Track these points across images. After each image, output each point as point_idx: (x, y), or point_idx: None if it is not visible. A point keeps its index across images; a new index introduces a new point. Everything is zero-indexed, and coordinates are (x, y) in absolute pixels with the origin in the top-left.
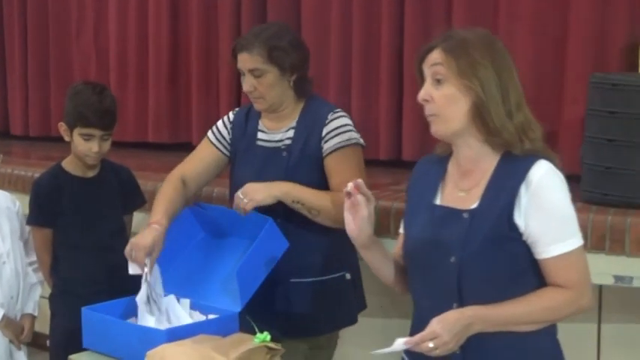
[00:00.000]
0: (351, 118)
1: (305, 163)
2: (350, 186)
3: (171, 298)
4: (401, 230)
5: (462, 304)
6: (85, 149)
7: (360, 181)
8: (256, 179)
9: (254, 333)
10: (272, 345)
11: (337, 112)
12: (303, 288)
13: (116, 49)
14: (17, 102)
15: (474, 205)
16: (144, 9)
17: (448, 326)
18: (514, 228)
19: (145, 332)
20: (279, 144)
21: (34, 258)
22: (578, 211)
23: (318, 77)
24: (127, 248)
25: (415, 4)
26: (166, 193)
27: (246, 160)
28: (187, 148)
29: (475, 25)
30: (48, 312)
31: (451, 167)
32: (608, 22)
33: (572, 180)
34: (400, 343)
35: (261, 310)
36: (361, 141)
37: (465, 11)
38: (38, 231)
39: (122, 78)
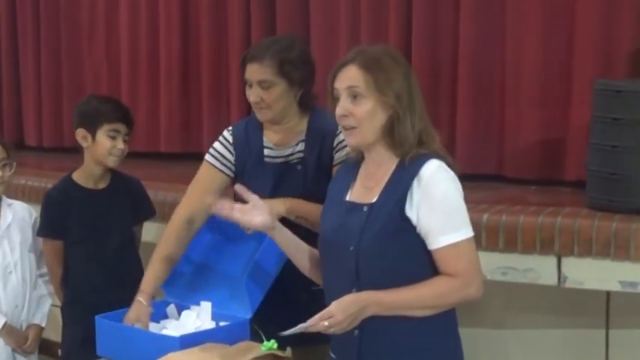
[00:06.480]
0: None
1: (320, 173)
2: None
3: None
4: None
5: (360, 289)
6: (109, 147)
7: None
8: (272, 195)
9: (261, 341)
10: (279, 353)
11: None
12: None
13: (127, 60)
14: (31, 113)
15: (373, 200)
16: (155, 20)
17: (342, 307)
18: (406, 220)
19: (159, 339)
20: (290, 158)
21: (45, 270)
22: (583, 217)
23: (325, 85)
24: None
25: (421, 14)
26: (164, 249)
27: (257, 175)
28: (198, 157)
29: (483, 29)
30: (61, 321)
31: (362, 169)
32: (614, 26)
33: (579, 186)
34: (303, 325)
35: (281, 318)
36: None
37: (472, 17)
38: (49, 243)
39: (134, 89)
